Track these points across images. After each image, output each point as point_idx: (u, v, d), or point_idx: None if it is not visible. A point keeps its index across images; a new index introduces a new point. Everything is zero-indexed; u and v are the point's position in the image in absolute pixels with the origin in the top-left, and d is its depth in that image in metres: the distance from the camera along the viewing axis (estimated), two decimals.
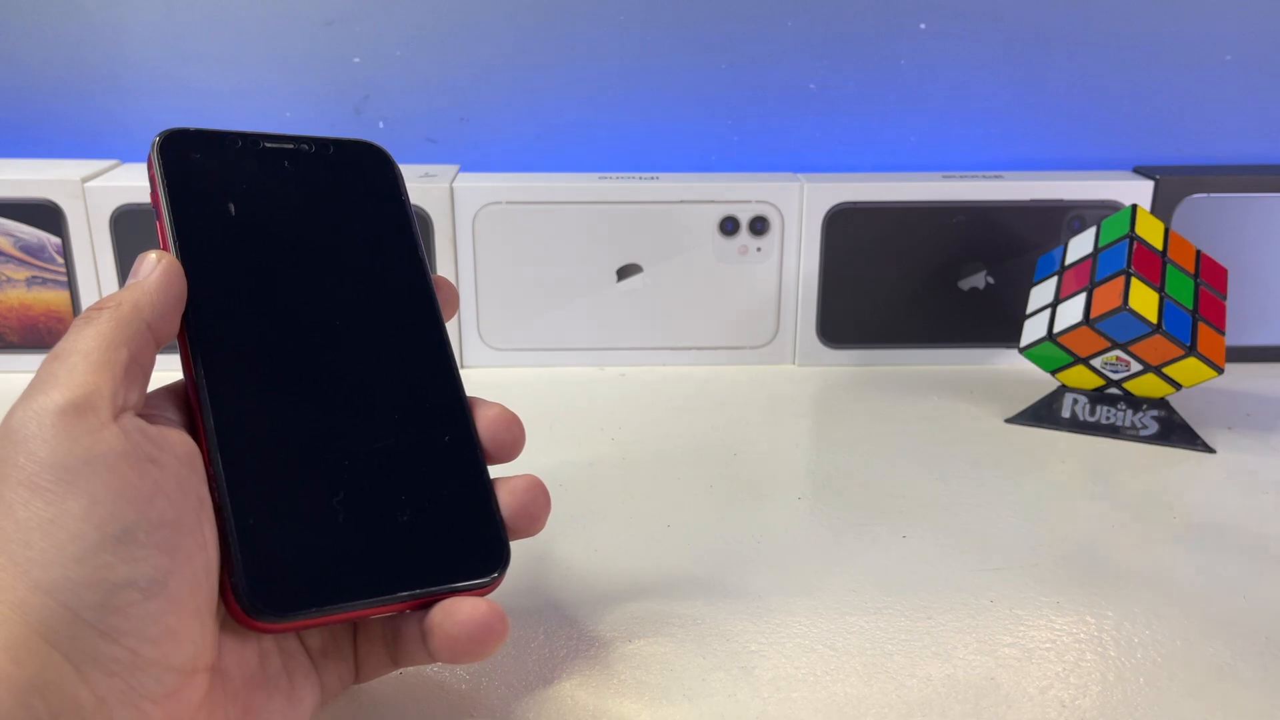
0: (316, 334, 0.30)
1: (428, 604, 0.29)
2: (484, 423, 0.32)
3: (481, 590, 0.29)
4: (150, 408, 0.28)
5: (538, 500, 0.31)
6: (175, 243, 0.29)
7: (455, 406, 0.32)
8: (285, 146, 0.32)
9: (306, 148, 0.33)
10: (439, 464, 0.31)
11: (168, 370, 0.29)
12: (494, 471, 0.32)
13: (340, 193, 0.33)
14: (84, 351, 0.25)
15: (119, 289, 0.28)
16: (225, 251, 0.30)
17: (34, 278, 0.55)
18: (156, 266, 0.28)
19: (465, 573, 0.29)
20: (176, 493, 0.25)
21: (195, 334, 0.29)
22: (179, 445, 0.26)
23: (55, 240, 0.55)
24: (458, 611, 0.28)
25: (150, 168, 0.31)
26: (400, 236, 0.33)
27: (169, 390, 0.29)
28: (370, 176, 0.34)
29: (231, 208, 0.31)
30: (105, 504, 0.23)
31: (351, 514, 0.29)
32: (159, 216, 0.30)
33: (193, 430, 0.28)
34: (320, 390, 0.30)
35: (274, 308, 0.30)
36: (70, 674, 0.22)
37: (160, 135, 0.31)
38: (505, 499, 0.31)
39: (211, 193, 0.31)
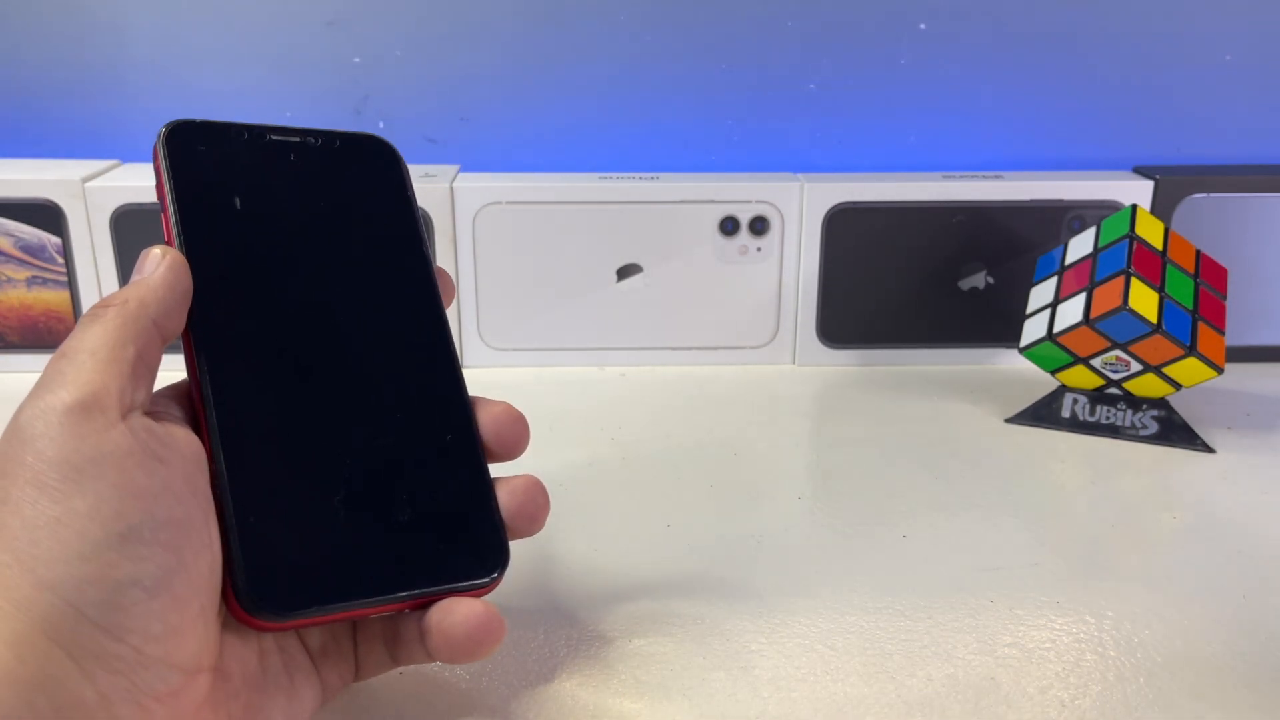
0: (320, 330, 0.30)
1: (427, 604, 0.29)
2: (489, 420, 0.32)
3: (481, 591, 0.29)
4: (156, 405, 0.27)
5: (536, 500, 0.31)
6: (180, 236, 0.29)
7: (458, 405, 0.32)
8: (291, 139, 0.32)
9: (313, 141, 0.33)
10: (440, 463, 0.31)
11: (169, 371, 0.29)
12: (493, 471, 0.32)
13: (346, 187, 0.33)
14: (91, 349, 0.25)
15: (122, 286, 0.28)
16: (230, 245, 0.30)
17: (34, 278, 0.55)
18: (161, 262, 0.28)
19: (465, 573, 0.29)
20: (184, 491, 0.25)
21: (199, 330, 0.29)
22: (186, 445, 0.26)
23: (55, 240, 0.55)
24: (455, 612, 0.28)
25: (156, 159, 0.30)
26: (405, 232, 0.33)
27: (174, 388, 0.29)
28: (376, 171, 0.34)
29: (237, 201, 0.31)
30: (112, 502, 0.24)
31: (352, 513, 0.29)
32: (164, 209, 0.30)
33: (196, 427, 0.28)
34: (323, 387, 0.30)
35: (278, 303, 0.30)
36: (74, 671, 0.22)
37: (166, 126, 0.30)
38: (504, 499, 0.31)
39: (217, 185, 0.30)
